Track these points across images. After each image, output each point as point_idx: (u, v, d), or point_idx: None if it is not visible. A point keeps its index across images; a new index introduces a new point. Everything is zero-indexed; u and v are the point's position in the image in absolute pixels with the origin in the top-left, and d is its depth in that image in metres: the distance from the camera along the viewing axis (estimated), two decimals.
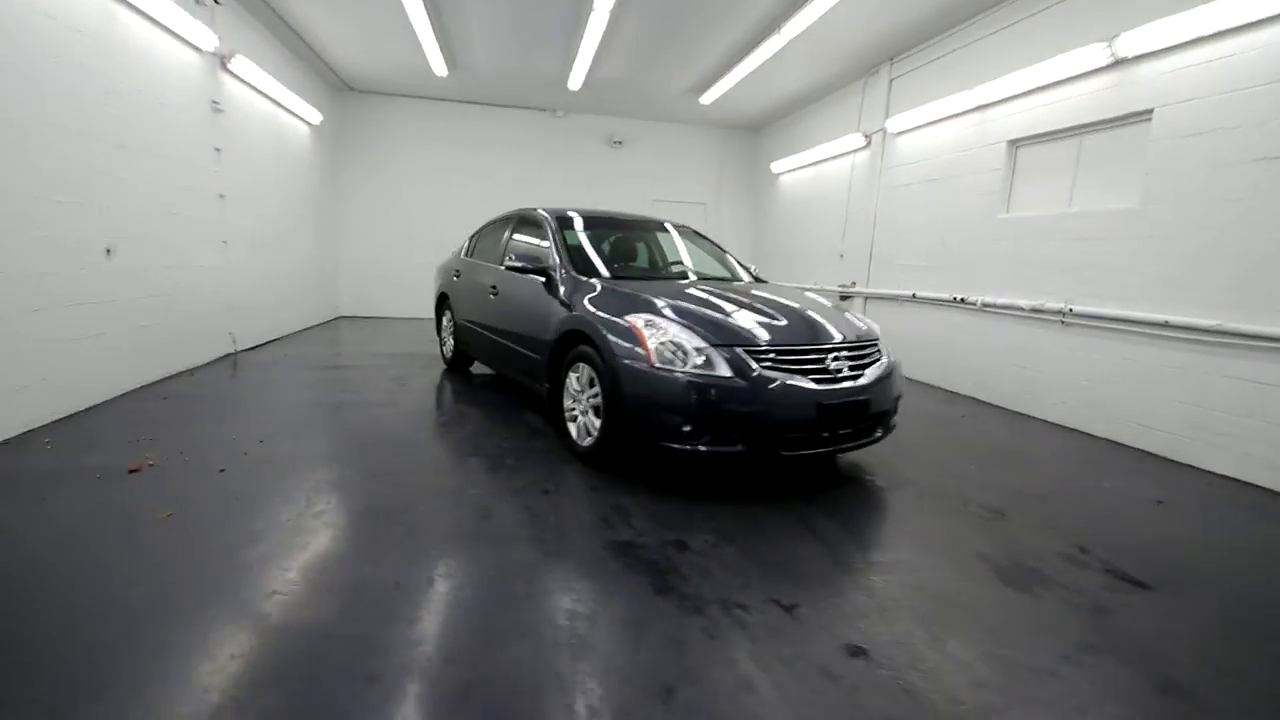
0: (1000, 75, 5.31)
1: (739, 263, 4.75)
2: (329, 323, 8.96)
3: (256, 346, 6.49)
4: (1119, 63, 4.33)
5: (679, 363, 2.84)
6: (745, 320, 3.09)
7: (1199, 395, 3.84)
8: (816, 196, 8.65)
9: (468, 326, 5.17)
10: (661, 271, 4.39)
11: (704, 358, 2.84)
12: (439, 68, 7.67)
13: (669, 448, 2.86)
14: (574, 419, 3.47)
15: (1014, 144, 5.34)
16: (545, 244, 4.22)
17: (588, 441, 3.33)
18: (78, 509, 2.52)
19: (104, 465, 2.99)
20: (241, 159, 6.04)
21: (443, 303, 5.95)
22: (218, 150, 5.53)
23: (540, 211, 4.56)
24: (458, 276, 5.50)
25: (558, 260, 3.93)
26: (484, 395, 4.89)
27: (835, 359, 3.04)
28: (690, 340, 2.89)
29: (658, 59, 7.32)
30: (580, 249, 4.12)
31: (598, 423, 3.21)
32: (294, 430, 3.72)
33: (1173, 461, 3.96)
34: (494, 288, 4.60)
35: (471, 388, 5.17)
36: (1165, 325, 4.01)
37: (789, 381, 2.85)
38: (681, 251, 4.60)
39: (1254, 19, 3.58)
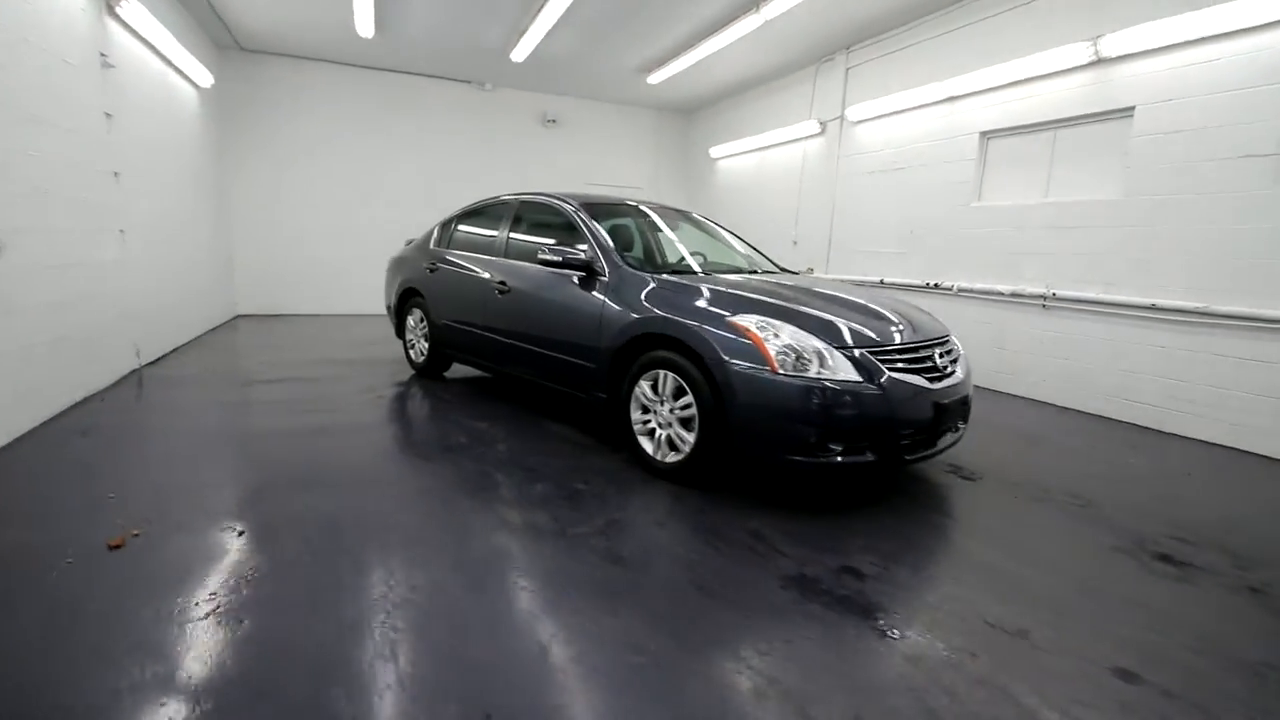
0: (973, 69, 5.52)
1: (759, 252, 4.56)
2: (230, 323, 7.65)
3: (162, 358, 5.34)
4: (1100, 61, 4.63)
5: (804, 368, 2.60)
6: (850, 318, 2.90)
7: (1183, 371, 4.25)
8: (763, 182, 8.68)
9: (455, 328, 4.55)
10: (704, 265, 4.05)
11: (832, 361, 2.62)
12: (365, 28, 6.69)
13: (794, 462, 2.63)
14: (649, 433, 3.12)
15: (986, 135, 5.61)
16: (574, 235, 3.77)
17: (673, 457, 3.00)
18: (105, 626, 1.82)
19: (67, 541, 2.21)
20: (134, 128, 4.86)
21: (408, 300, 5.22)
22: (108, 116, 4.39)
23: (557, 199, 4.07)
24: (433, 270, 4.83)
25: (599, 254, 3.51)
26: (485, 405, 4.34)
27: (940, 355, 2.96)
28: (812, 342, 2.66)
29: (616, 33, 6.88)
30: (624, 241, 3.71)
31: (690, 437, 2.90)
32: (287, 476, 2.97)
33: (1160, 432, 4.36)
34: (501, 285, 4.05)
35: (462, 395, 4.57)
36: (1152, 308, 4.38)
37: (911, 381, 2.72)
38: (709, 241, 4.32)
39: (1233, 28, 3.93)
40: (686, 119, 10.40)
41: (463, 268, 4.53)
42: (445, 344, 4.76)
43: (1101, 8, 4.62)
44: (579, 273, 3.53)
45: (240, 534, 2.33)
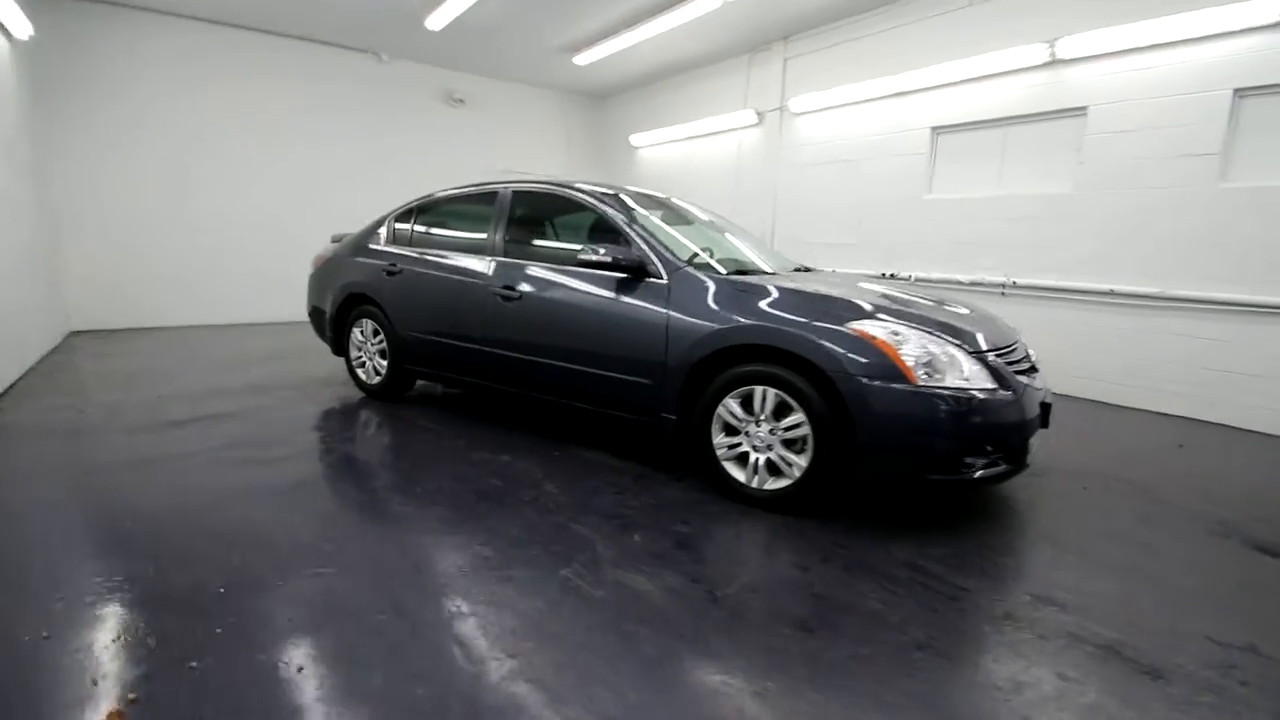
0: (924, 65, 5.68)
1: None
2: (65, 345, 5.97)
3: None
4: (1056, 62, 4.93)
5: (941, 377, 2.38)
6: (956, 319, 2.72)
7: (1141, 351, 4.68)
8: (693, 173, 8.48)
9: (432, 342, 3.80)
10: (731, 264, 3.67)
11: (967, 368, 2.42)
12: None
13: (935, 482, 2.41)
14: (738, 458, 2.75)
15: (937, 130, 5.81)
16: (604, 231, 3.26)
17: (774, 484, 2.65)
18: None
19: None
20: None
21: (353, 309, 4.32)
22: None
23: (574, 188, 3.50)
24: (392, 273, 4.00)
25: (651, 253, 3.04)
26: (486, 432, 3.66)
27: (1031, 356, 2.89)
28: (945, 349, 2.44)
29: (549, 6, 6.25)
30: (672, 237, 3.25)
31: (800, 460, 2.57)
32: (294, 554, 2.25)
33: (1121, 407, 4.78)
34: (506, 290, 3.41)
35: (446, 420, 3.84)
36: (1110, 293, 4.78)
37: (1027, 383, 2.61)
38: (725, 236, 3.95)
39: (1178, 39, 4.32)
40: (601, 104, 9.91)
41: (442, 270, 3.79)
42: (415, 360, 3.98)
43: (1048, 12, 4.91)
44: (621, 275, 3.05)
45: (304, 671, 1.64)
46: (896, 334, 2.45)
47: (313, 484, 2.86)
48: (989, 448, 2.42)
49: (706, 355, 2.75)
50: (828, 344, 2.47)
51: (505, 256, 3.56)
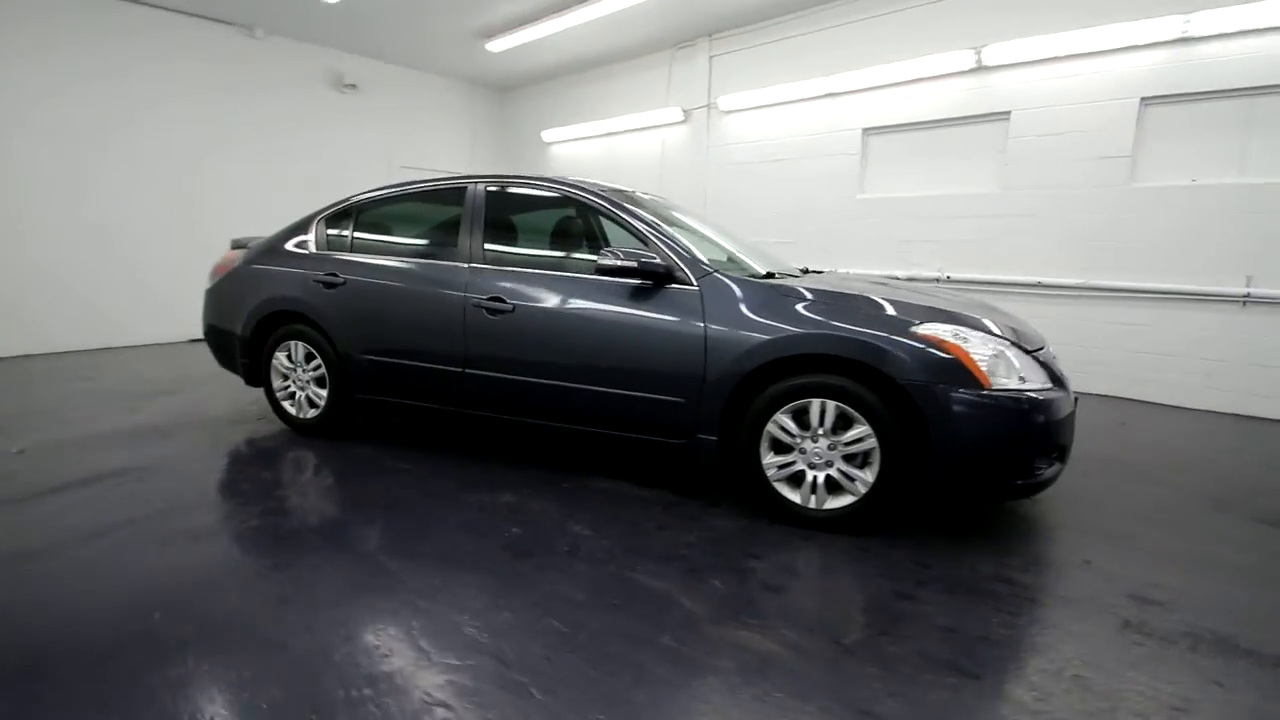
0: (856, 67, 5.82)
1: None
2: None
3: None
4: (981, 69, 5.22)
5: (1009, 380, 2.30)
6: (1004, 320, 2.67)
7: (1070, 336, 5.07)
8: (613, 171, 8.17)
9: (393, 365, 3.21)
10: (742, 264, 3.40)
11: (1030, 370, 2.37)
12: None
13: (1015, 487, 2.34)
14: (791, 478, 2.52)
15: (868, 131, 5.99)
16: (602, 232, 2.91)
17: (835, 503, 2.46)
18: None
19: None
20: None
21: (272, 329, 3.57)
22: None
23: (567, 184, 3.09)
24: (332, 285, 3.34)
25: (676, 257, 2.73)
26: (470, 469, 3.14)
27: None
28: (1006, 350, 2.36)
29: None
30: (692, 239, 2.94)
31: (866, 475, 2.40)
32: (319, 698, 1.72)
33: None
34: (494, 302, 2.93)
35: (407, 455, 3.25)
36: (1038, 285, 5.15)
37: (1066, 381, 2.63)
38: (711, 236, 3.69)
39: (1093, 50, 4.72)
40: (510, 96, 9.29)
41: (402, 280, 3.21)
42: (369, 387, 3.35)
43: (975, 20, 5.19)
44: (638, 282, 2.71)
45: None
46: (962, 336, 2.34)
47: (282, 563, 2.23)
48: (1058, 449, 2.40)
49: (755, 368, 2.50)
50: (898, 350, 2.31)
51: (485, 263, 3.07)
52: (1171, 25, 4.34)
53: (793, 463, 2.52)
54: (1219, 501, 2.94)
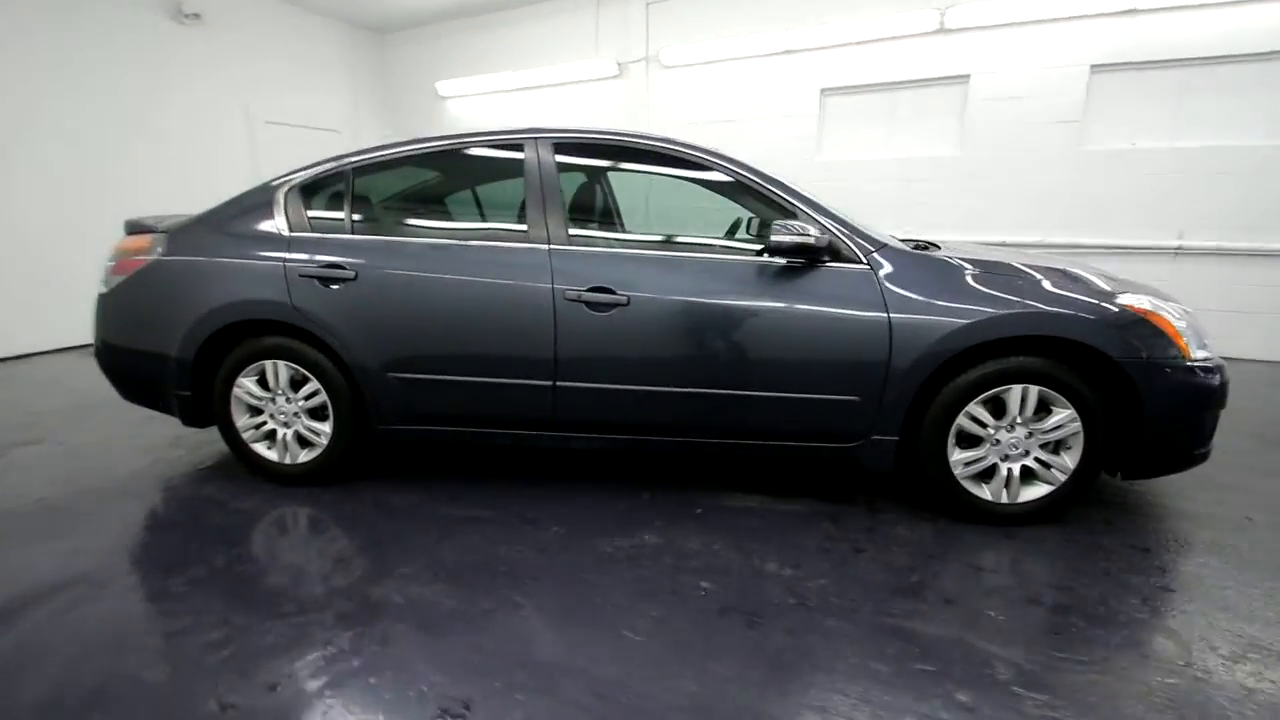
0: (814, 21, 5.62)
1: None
2: None
3: None
4: (944, 30, 5.26)
5: (1202, 350, 2.23)
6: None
7: None
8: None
9: (453, 384, 2.42)
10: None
11: (1207, 338, 2.32)
12: None
13: (1194, 457, 2.28)
14: (980, 474, 2.27)
15: (826, 92, 5.85)
16: (725, 198, 2.40)
17: (1030, 495, 2.27)
18: None
19: None
20: None
21: (230, 346, 2.54)
22: None
23: (666, 141, 2.47)
24: (338, 281, 2.41)
25: (839, 228, 2.30)
26: (537, 505, 2.49)
27: None
28: (1191, 319, 2.29)
29: None
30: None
31: (1067, 462, 2.22)
32: None
33: None
34: (600, 292, 2.27)
35: (461, 496, 2.51)
36: (1002, 244, 5.41)
37: None
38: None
39: (1047, 17, 4.94)
40: (392, 40, 7.85)
41: (449, 269, 2.39)
42: (401, 415, 2.52)
43: None
44: (792, 261, 2.26)
45: None
46: (1160, 307, 2.22)
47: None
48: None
49: (952, 356, 2.18)
50: (1112, 326, 2.13)
51: (571, 244, 2.39)
52: None
53: (983, 457, 2.27)
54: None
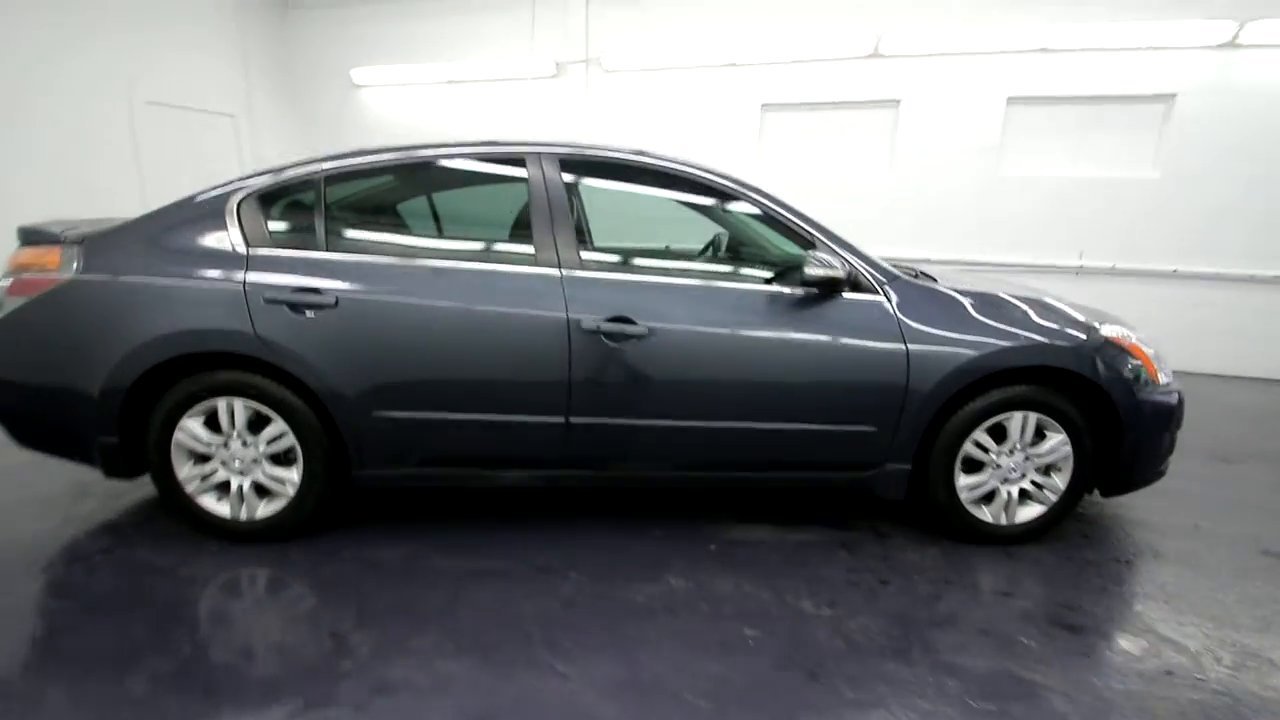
0: (756, 35, 5.70)
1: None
2: None
3: None
4: (877, 55, 5.50)
5: (1167, 374, 2.45)
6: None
7: None
8: (455, 127, 6.88)
9: (449, 424, 2.18)
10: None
11: (1166, 363, 2.54)
12: None
13: (1158, 474, 2.50)
14: (982, 498, 2.37)
15: (766, 107, 5.95)
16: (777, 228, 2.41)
17: (1026, 515, 2.40)
18: None
19: None
20: None
21: (169, 382, 2.14)
22: None
23: (677, 163, 2.38)
24: (311, 307, 2.09)
25: (857, 259, 2.31)
26: (535, 551, 2.32)
27: None
28: (1154, 346, 2.50)
29: None
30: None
31: (1058, 482, 2.36)
32: None
33: None
34: (618, 323, 2.13)
35: (456, 546, 2.29)
36: (926, 261, 5.75)
37: None
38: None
39: (970, 50, 5.31)
40: (295, 16, 7.07)
41: (449, 295, 2.15)
42: (389, 459, 2.24)
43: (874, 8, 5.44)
44: (809, 291, 2.24)
45: None
46: (1135, 337, 2.41)
47: None
48: None
49: (965, 386, 2.25)
50: (1101, 357, 2.28)
51: (584, 269, 2.22)
52: (1034, 34, 5.09)
53: (985, 482, 2.37)
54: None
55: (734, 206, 2.48)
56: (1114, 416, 2.31)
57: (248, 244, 2.17)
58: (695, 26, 5.87)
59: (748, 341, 2.22)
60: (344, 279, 2.14)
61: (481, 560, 2.24)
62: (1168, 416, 2.39)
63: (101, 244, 2.18)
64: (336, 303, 2.12)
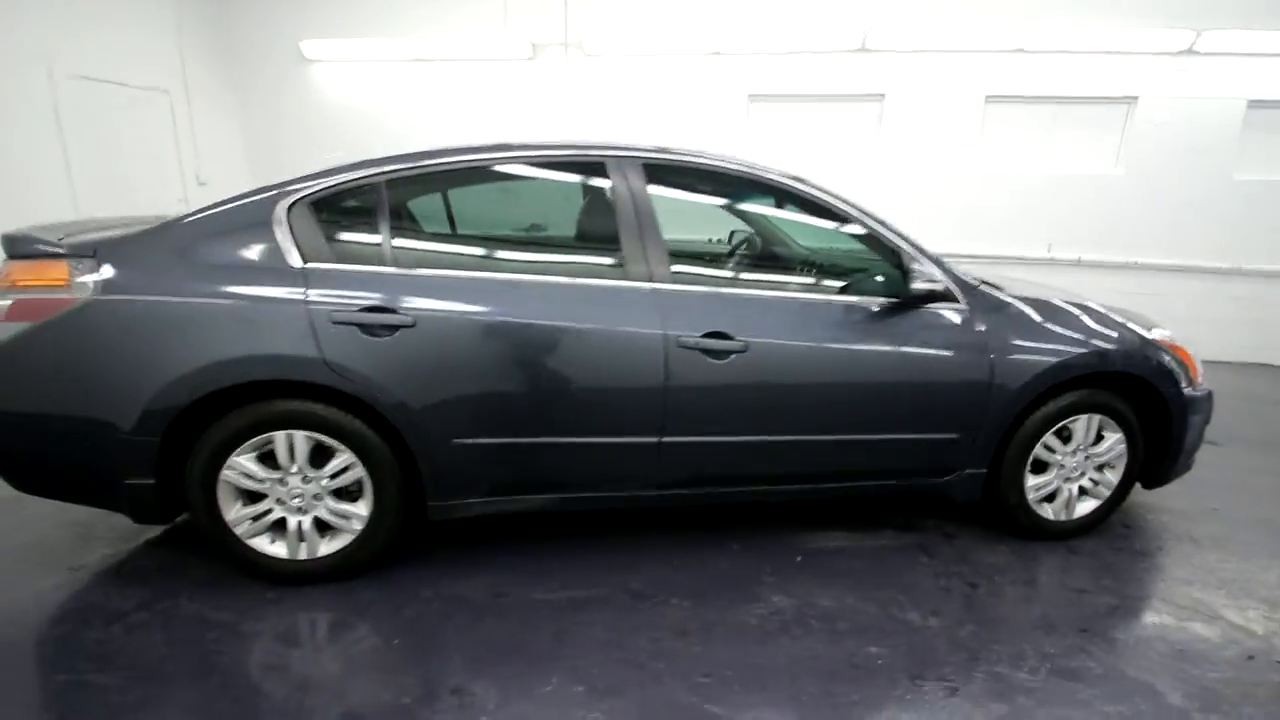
0: (744, 22, 5.63)
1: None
2: None
3: None
4: (864, 50, 5.55)
5: (1202, 374, 2.61)
6: None
7: None
8: (417, 107, 6.44)
9: (539, 448, 2.04)
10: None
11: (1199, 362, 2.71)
12: None
13: (1189, 467, 2.67)
14: (1045, 499, 2.47)
15: (754, 98, 5.91)
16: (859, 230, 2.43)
17: (1081, 511, 2.52)
18: None
19: None
20: None
21: (217, 414, 1.88)
22: None
23: (762, 170, 2.40)
24: (386, 329, 1.88)
25: (944, 272, 2.32)
26: (616, 569, 2.24)
27: None
28: (1191, 347, 2.65)
29: None
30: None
31: (1112, 479, 2.49)
32: None
33: None
34: (714, 338, 2.04)
35: (518, 568, 2.17)
36: None
37: None
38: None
39: (950, 49, 5.45)
40: None
41: (535, 312, 2.00)
42: (470, 487, 2.08)
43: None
44: (889, 301, 2.25)
45: None
46: (1173, 336, 2.55)
47: None
48: None
49: (1043, 390, 2.32)
50: (1160, 360, 2.41)
51: (674, 282, 2.11)
52: (1011, 36, 5.28)
53: (1050, 481, 2.47)
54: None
55: (820, 217, 2.44)
56: (1164, 414, 2.45)
57: (304, 257, 1.93)
58: (682, 11, 5.73)
59: (841, 354, 2.20)
60: (419, 295, 1.94)
61: (570, 589, 2.12)
62: (1205, 413, 2.56)
63: (123, 256, 1.87)
64: (415, 323, 1.92)
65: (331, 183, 2.01)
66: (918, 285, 2.16)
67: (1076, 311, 2.46)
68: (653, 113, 6.06)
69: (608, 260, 2.13)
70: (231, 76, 6.54)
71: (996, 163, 5.70)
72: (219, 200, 1.98)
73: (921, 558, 2.40)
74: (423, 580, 2.13)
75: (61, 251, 1.86)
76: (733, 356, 2.09)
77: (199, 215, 1.96)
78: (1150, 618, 2.11)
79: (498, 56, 6.16)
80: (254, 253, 1.92)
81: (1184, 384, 2.44)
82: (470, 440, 2.02)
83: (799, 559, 2.35)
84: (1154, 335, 2.48)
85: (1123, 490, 2.53)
